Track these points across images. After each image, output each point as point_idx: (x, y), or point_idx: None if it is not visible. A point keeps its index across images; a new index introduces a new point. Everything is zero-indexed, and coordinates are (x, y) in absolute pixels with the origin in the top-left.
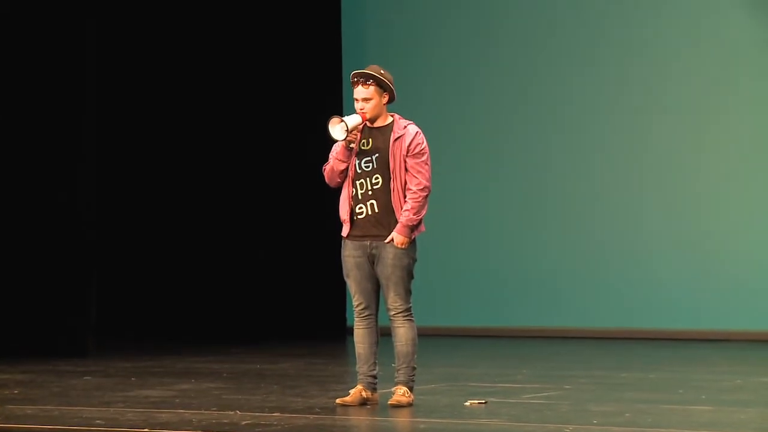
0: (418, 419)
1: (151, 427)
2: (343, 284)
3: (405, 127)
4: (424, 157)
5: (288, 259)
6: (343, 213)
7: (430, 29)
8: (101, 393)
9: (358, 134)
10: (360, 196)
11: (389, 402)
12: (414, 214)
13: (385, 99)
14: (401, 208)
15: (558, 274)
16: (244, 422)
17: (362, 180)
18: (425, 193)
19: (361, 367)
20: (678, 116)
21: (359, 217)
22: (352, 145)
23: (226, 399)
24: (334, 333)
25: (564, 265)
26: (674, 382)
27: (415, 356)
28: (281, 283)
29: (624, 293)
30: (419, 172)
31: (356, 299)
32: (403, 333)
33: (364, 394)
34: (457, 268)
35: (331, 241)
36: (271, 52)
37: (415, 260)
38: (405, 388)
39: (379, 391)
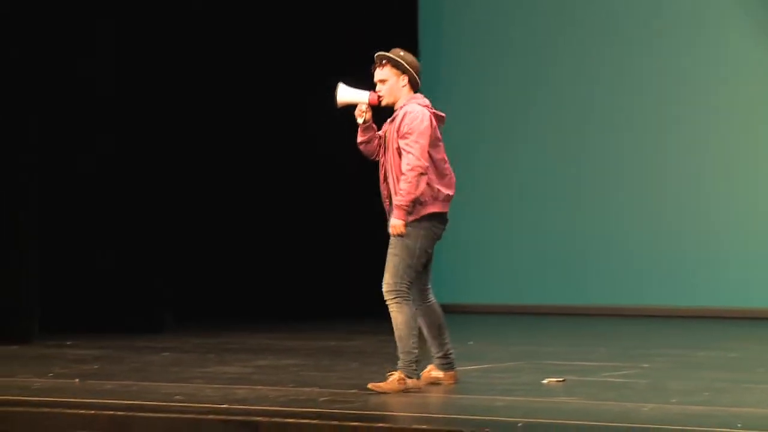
0: (496, 397)
1: (230, 403)
2: None
3: (402, 108)
4: (413, 136)
5: (357, 237)
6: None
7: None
8: (179, 369)
9: (368, 111)
10: (383, 180)
11: (368, 385)
12: (405, 195)
13: (404, 81)
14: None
15: (635, 252)
16: (322, 399)
17: (386, 157)
18: (415, 173)
19: (430, 348)
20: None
21: (385, 196)
22: (360, 121)
23: (304, 375)
24: None
25: (640, 244)
26: (753, 360)
27: (411, 341)
28: (351, 261)
29: (700, 272)
30: (407, 152)
31: None
32: (393, 318)
33: (433, 373)
34: (537, 247)
35: None
36: (344, 40)
37: (421, 243)
38: (398, 374)
39: (457, 369)
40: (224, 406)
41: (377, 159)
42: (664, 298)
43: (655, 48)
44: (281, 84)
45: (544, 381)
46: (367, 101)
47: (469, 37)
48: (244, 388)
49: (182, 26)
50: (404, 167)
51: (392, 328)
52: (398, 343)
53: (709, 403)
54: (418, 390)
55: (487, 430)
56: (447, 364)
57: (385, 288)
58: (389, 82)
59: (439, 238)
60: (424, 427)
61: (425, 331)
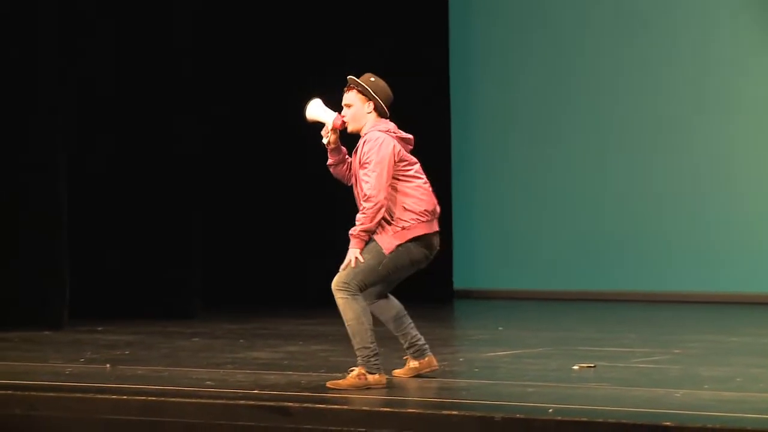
0: (527, 383)
1: (261, 388)
2: (450, 248)
3: (363, 136)
4: (370, 165)
5: None
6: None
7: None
8: (210, 354)
9: (331, 134)
10: (357, 204)
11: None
12: (358, 225)
13: (370, 108)
14: (380, 228)
15: (666, 238)
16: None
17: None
18: (369, 204)
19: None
20: None
21: None
22: (324, 141)
23: (334, 361)
24: (441, 296)
25: (672, 229)
26: None
27: (366, 335)
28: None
29: (732, 257)
30: (365, 182)
31: None
32: (341, 313)
33: (411, 363)
34: (567, 232)
35: None
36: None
37: (392, 258)
38: (357, 370)
39: (433, 354)
40: (255, 391)
41: (350, 184)
42: (696, 284)
43: (681, 45)
44: (306, 81)
45: (575, 367)
46: (331, 123)
47: (501, 30)
48: (274, 373)
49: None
50: (362, 197)
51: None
52: (352, 340)
53: (742, 389)
54: (381, 386)
55: (499, 416)
56: (417, 352)
57: (334, 281)
58: (354, 108)
59: (419, 261)
60: (454, 413)
61: (388, 326)
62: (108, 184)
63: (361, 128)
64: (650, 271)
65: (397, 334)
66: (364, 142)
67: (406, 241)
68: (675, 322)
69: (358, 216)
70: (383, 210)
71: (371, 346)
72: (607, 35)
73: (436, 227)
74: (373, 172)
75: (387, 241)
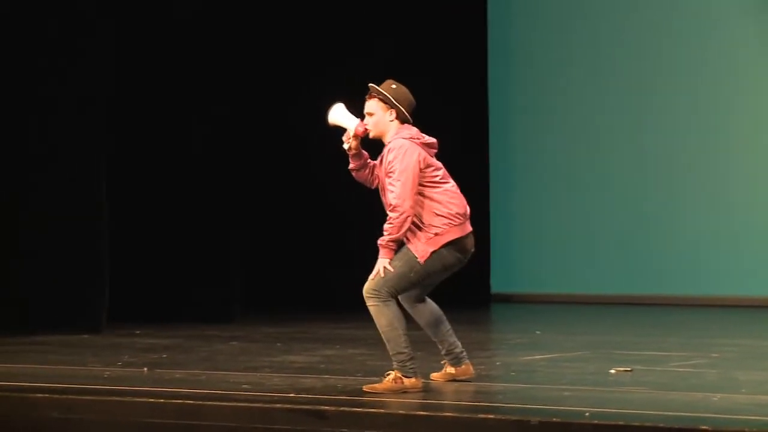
0: (563, 386)
1: (297, 392)
2: (488, 252)
3: (387, 144)
4: (395, 174)
5: None
6: None
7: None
8: (247, 358)
9: (353, 140)
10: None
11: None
12: (386, 235)
13: (392, 116)
14: (413, 236)
15: (702, 243)
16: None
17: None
18: (395, 214)
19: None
20: None
21: None
22: (345, 147)
23: (371, 365)
24: (478, 300)
25: (708, 234)
26: None
27: (400, 341)
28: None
29: (767, 262)
30: (390, 191)
31: None
32: (374, 320)
33: (448, 369)
34: (605, 236)
35: (474, 209)
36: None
37: (426, 264)
38: (393, 374)
39: (471, 362)
40: (291, 395)
41: (373, 187)
42: (733, 288)
43: (715, 40)
44: (342, 79)
45: (612, 371)
46: (353, 129)
47: (539, 30)
48: (311, 377)
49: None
50: (388, 207)
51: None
52: (387, 345)
53: None
54: (417, 390)
55: (536, 420)
56: (454, 360)
57: (365, 288)
58: (376, 116)
59: (452, 266)
60: (491, 416)
61: (426, 331)
62: (148, 188)
63: (384, 135)
64: (687, 275)
65: (435, 340)
66: (389, 150)
67: (440, 247)
68: (712, 325)
69: (386, 226)
70: (410, 219)
71: (406, 350)
72: (645, 36)
73: (468, 228)
74: (398, 180)
75: (421, 249)
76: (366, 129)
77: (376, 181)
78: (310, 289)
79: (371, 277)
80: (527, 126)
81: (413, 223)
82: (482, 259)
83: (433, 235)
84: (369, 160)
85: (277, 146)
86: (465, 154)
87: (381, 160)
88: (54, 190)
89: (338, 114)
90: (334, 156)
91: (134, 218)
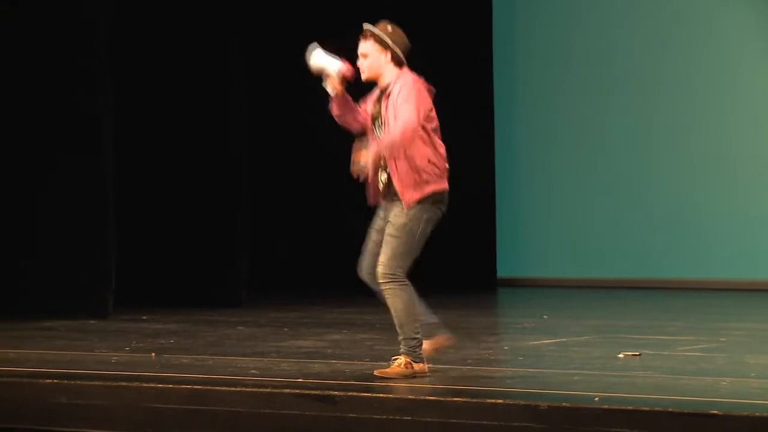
0: (572, 371)
1: (305, 377)
2: (494, 236)
3: (395, 83)
4: (403, 97)
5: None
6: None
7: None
8: (254, 343)
9: (339, 83)
10: (382, 164)
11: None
12: (389, 138)
13: (387, 58)
14: (405, 177)
15: (710, 225)
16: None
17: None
18: (402, 123)
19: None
20: None
21: (382, 187)
22: (328, 90)
23: (379, 350)
24: (484, 284)
25: (715, 216)
26: None
27: (415, 325)
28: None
29: None
30: (401, 112)
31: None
32: (390, 304)
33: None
34: (611, 220)
35: (480, 192)
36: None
37: (422, 228)
38: (403, 358)
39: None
40: (300, 380)
41: (362, 136)
42: (741, 271)
43: (731, 33)
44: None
45: (620, 355)
46: (337, 71)
47: (545, 18)
48: (319, 362)
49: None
50: (398, 122)
51: (392, 312)
52: (399, 330)
53: None
54: (424, 375)
55: (545, 405)
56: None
57: (380, 271)
58: (371, 58)
59: (440, 219)
60: (500, 401)
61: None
62: (154, 173)
63: (378, 78)
64: (695, 259)
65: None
66: (401, 86)
67: (426, 197)
68: (720, 309)
69: (394, 130)
70: (415, 134)
71: (418, 336)
72: (655, 23)
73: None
74: (407, 102)
75: (409, 195)
76: (353, 71)
77: (359, 125)
78: (317, 273)
79: (385, 250)
80: (533, 108)
81: (405, 167)
82: (488, 243)
83: (423, 182)
84: (355, 105)
85: (282, 128)
86: (470, 136)
87: (389, 97)
88: (60, 176)
89: (320, 58)
90: (341, 135)
91: (140, 203)
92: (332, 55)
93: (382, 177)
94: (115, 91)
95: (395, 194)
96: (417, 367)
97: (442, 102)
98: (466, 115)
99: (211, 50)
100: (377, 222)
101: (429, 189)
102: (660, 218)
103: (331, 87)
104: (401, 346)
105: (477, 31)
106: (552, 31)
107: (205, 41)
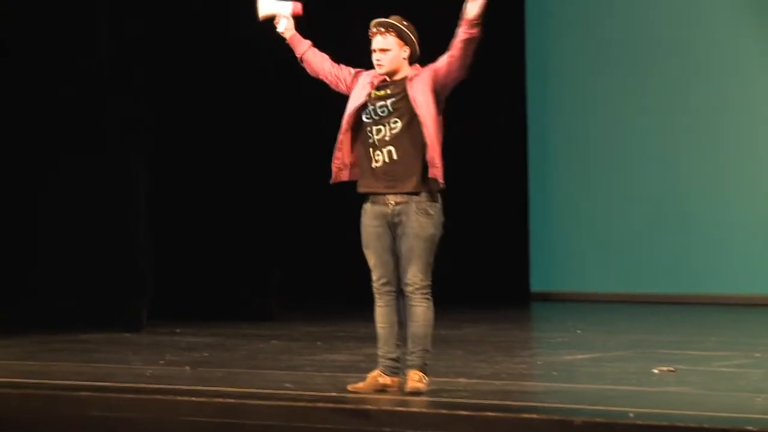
0: (606, 386)
1: (339, 391)
2: (527, 250)
3: (418, 75)
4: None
5: (471, 225)
6: (341, 158)
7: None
8: (288, 356)
9: (291, 22)
10: (377, 143)
11: (406, 389)
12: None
13: (406, 53)
14: (430, 152)
15: (745, 241)
16: (430, 387)
17: (379, 126)
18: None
19: (380, 349)
20: None
21: (376, 165)
22: (279, 28)
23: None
24: (518, 298)
25: (750, 233)
26: None
27: (430, 338)
28: (464, 249)
29: None
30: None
31: (376, 273)
32: (420, 312)
33: (380, 379)
34: (646, 234)
35: (513, 206)
36: None
37: (441, 233)
38: (420, 373)
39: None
40: (333, 394)
41: (329, 80)
42: None
43: (753, 38)
44: None
45: (655, 371)
46: (289, 12)
47: (577, 29)
48: (353, 376)
49: None
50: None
51: (423, 321)
52: (418, 341)
53: None
54: (395, 388)
55: (579, 420)
56: (395, 369)
57: (416, 282)
58: (392, 52)
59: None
60: (534, 416)
61: (384, 330)
62: (188, 186)
63: (396, 73)
64: (729, 274)
65: (390, 342)
66: (416, 75)
67: (441, 197)
68: (755, 325)
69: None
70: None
71: (429, 349)
72: (681, 35)
73: None
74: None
75: (439, 175)
76: (302, 6)
77: (341, 85)
78: (352, 287)
79: (416, 260)
80: (566, 122)
81: (414, 151)
82: (521, 257)
83: (440, 172)
84: (310, 44)
85: (313, 141)
86: (503, 150)
87: (411, 81)
88: (95, 189)
89: (269, 5)
90: None
91: (174, 216)
92: (279, 1)
93: (383, 153)
94: (150, 102)
95: (395, 185)
96: (427, 380)
97: (475, 116)
98: (499, 127)
99: (245, 54)
100: (376, 231)
101: (438, 187)
102: (695, 233)
103: (287, 29)
104: (415, 358)
105: (510, 40)
106: (587, 39)
107: (241, 46)
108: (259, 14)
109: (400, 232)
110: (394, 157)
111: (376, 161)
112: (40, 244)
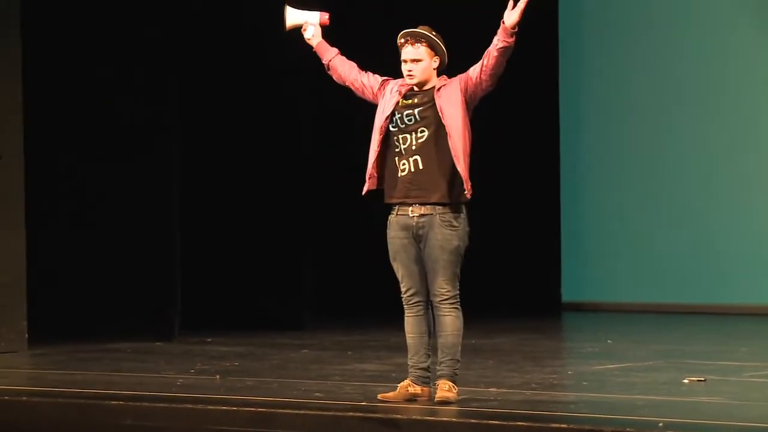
0: (636, 396)
1: (369, 400)
2: (558, 260)
3: (444, 84)
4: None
5: (503, 234)
6: (371, 169)
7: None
8: (319, 366)
9: (319, 30)
10: (403, 152)
11: (436, 398)
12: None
13: (436, 63)
14: (455, 163)
15: None
16: (460, 396)
17: (406, 135)
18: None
19: (411, 358)
20: None
21: (402, 174)
22: (306, 36)
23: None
24: (549, 308)
25: None
26: None
27: (460, 347)
28: (495, 259)
29: None
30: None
31: (404, 284)
32: (449, 322)
33: (410, 389)
34: (677, 244)
35: (545, 215)
36: None
37: (467, 243)
38: (449, 383)
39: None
40: (364, 403)
41: (349, 85)
42: None
43: None
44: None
45: (685, 380)
46: (317, 21)
47: (610, 31)
48: (383, 385)
49: None
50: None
51: (452, 331)
52: (447, 350)
53: None
54: (426, 398)
55: (609, 430)
56: (425, 378)
57: (443, 293)
58: (423, 63)
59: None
60: (563, 426)
61: (414, 340)
62: (220, 196)
63: (426, 83)
64: (761, 284)
65: (420, 352)
66: (450, 80)
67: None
68: None
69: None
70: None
71: (459, 359)
72: (716, 45)
73: None
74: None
75: (467, 186)
76: (329, 18)
77: (367, 92)
78: (382, 296)
79: (444, 272)
80: (598, 131)
81: (441, 160)
82: (553, 267)
83: (467, 184)
84: (338, 52)
85: (344, 150)
86: (535, 159)
87: (439, 90)
88: (126, 199)
89: (297, 15)
90: None
91: (206, 226)
92: (305, 11)
93: (408, 162)
94: (181, 110)
95: (421, 195)
96: (456, 390)
97: (507, 126)
98: (531, 137)
99: (280, 64)
100: (402, 243)
101: (463, 199)
102: (726, 243)
103: (314, 36)
104: (445, 368)
105: (543, 53)
106: (618, 49)
107: (272, 53)
108: (286, 24)
109: (424, 244)
110: (420, 166)
111: (402, 170)
112: (71, 253)
